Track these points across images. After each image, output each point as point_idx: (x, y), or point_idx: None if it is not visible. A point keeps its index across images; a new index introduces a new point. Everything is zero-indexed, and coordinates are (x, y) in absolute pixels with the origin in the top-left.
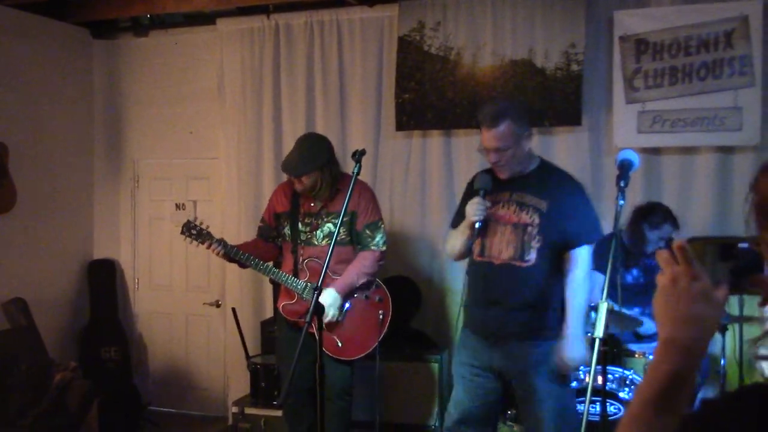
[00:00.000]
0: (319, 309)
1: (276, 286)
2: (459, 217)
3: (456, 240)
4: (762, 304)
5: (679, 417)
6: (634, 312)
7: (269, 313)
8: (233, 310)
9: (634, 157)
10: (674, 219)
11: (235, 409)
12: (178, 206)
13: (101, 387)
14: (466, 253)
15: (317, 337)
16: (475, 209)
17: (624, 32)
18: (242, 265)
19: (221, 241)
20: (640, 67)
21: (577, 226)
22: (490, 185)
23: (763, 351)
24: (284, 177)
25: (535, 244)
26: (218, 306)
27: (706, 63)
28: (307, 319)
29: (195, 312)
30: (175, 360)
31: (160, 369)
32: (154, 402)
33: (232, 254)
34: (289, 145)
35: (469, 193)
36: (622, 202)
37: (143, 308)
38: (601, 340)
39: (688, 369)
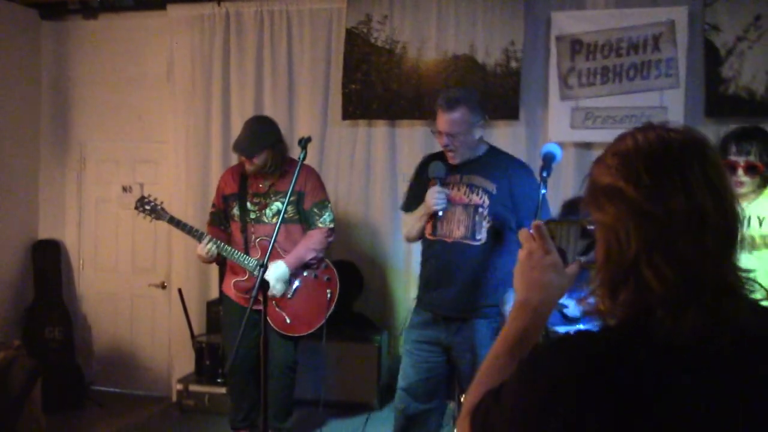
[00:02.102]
0: (265, 285)
1: (223, 266)
2: (412, 201)
3: (413, 226)
4: (592, 279)
5: None
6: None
7: (215, 294)
8: (179, 290)
9: (557, 150)
10: None
11: (179, 387)
12: (125, 189)
13: (45, 367)
14: (420, 235)
15: (263, 313)
16: (435, 199)
17: (560, 32)
18: (218, 261)
19: (212, 239)
20: (575, 66)
21: (527, 205)
22: (444, 173)
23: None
24: (233, 162)
25: (486, 224)
26: (164, 287)
27: (635, 64)
28: (253, 294)
29: (140, 293)
30: (119, 340)
31: (105, 349)
32: (98, 381)
33: (219, 249)
34: (237, 131)
35: (420, 176)
36: (544, 190)
37: (88, 289)
38: None
39: (536, 325)
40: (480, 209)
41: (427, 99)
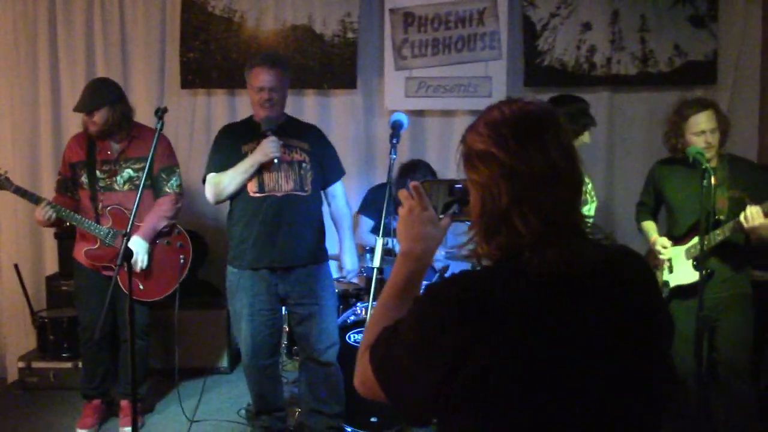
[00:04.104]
0: (129, 254)
1: (64, 238)
2: (223, 162)
3: (233, 180)
4: (470, 228)
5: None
6: None
7: (53, 269)
8: (15, 266)
9: (404, 119)
10: (433, 173)
11: (21, 365)
12: None
13: None
14: (236, 193)
15: (128, 281)
16: (274, 147)
17: (393, 5)
18: (61, 224)
19: (50, 203)
20: (407, 37)
21: (333, 165)
22: (275, 126)
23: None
24: (64, 132)
25: (310, 177)
26: None
27: (462, 37)
28: (118, 262)
29: None
30: None
31: None
32: None
33: (59, 214)
34: (67, 100)
35: (227, 140)
36: (394, 156)
37: None
38: (378, 269)
39: (419, 271)
40: (303, 164)
41: None
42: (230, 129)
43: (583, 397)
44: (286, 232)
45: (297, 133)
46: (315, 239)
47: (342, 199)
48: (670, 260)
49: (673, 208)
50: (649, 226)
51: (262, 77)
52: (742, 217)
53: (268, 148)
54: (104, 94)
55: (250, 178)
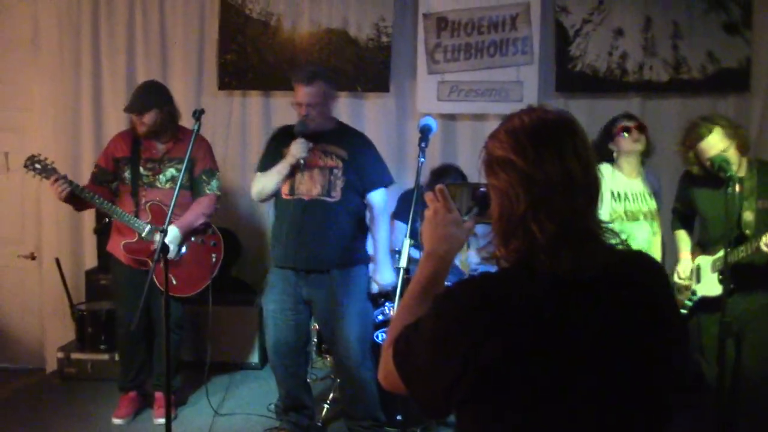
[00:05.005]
0: (166, 249)
1: (102, 233)
2: (268, 162)
3: (270, 180)
4: (490, 231)
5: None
6: None
7: (91, 263)
8: (57, 260)
9: (433, 123)
10: (464, 178)
11: (60, 355)
12: None
13: None
14: (274, 193)
15: (164, 277)
16: (300, 148)
17: (427, 10)
18: (80, 207)
19: (66, 179)
20: (440, 42)
21: (370, 173)
22: (308, 129)
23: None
24: (105, 130)
25: (340, 183)
26: (33, 258)
27: (495, 41)
28: (155, 258)
29: (8, 265)
30: None
31: None
32: None
33: (77, 192)
34: (108, 99)
35: (274, 143)
36: (422, 160)
37: None
38: (404, 269)
39: (442, 271)
40: (335, 170)
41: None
42: (280, 132)
43: (586, 398)
44: (310, 236)
45: (338, 140)
46: (340, 245)
47: (377, 209)
48: (698, 267)
49: (704, 218)
50: (681, 236)
51: (300, 93)
52: (762, 244)
53: (294, 149)
54: (155, 97)
55: (285, 180)
